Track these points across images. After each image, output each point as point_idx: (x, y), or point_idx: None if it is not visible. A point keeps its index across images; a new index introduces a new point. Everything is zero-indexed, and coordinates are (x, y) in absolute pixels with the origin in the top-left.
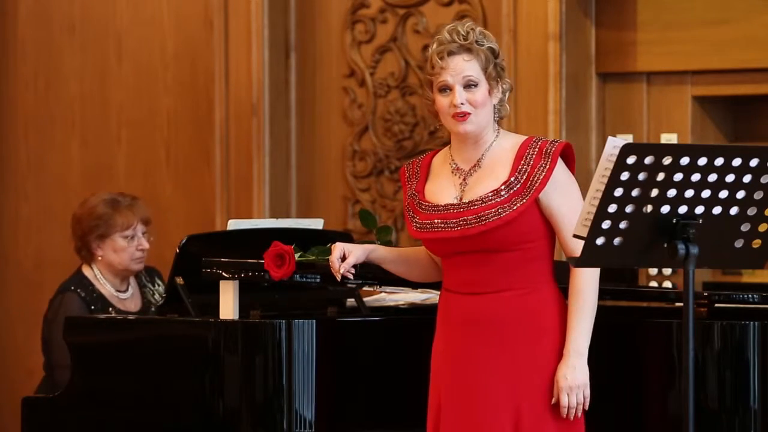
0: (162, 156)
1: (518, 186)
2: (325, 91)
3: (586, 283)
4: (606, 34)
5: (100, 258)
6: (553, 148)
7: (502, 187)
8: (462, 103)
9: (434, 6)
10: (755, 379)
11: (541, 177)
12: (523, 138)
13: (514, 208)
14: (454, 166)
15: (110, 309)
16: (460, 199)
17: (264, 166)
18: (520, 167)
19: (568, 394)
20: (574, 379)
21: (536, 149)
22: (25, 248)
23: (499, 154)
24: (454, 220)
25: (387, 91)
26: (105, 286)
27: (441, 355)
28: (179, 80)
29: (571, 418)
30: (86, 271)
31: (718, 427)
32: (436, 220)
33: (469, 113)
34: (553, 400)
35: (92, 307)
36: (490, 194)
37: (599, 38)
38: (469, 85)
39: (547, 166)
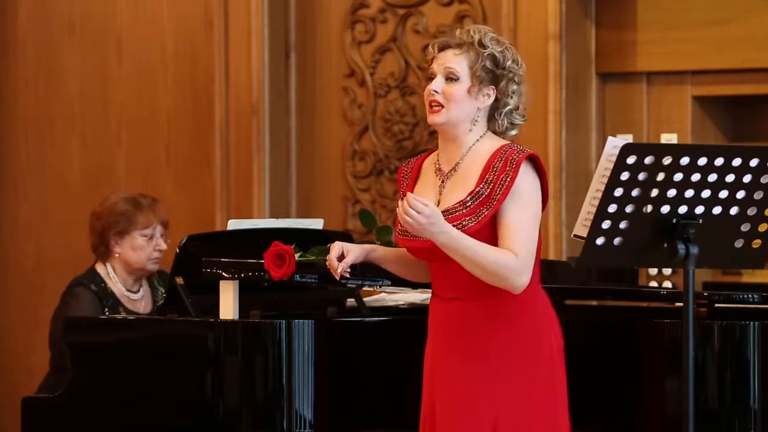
0: (162, 156)
1: (483, 197)
2: (325, 91)
3: (507, 261)
4: (606, 34)
5: (117, 255)
6: (518, 158)
7: (468, 198)
8: (436, 91)
9: (434, 6)
10: (755, 379)
11: (503, 188)
12: (498, 145)
13: (479, 219)
14: (437, 166)
15: (120, 309)
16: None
17: (264, 166)
18: (486, 177)
19: (428, 225)
20: (430, 222)
21: (503, 159)
22: (25, 248)
23: (474, 160)
24: None
25: (387, 91)
26: (117, 285)
27: (428, 359)
28: (179, 80)
29: (403, 220)
30: (99, 268)
31: (718, 427)
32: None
33: (441, 105)
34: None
35: (104, 302)
36: (457, 205)
37: (599, 38)
38: (450, 78)
39: (510, 176)
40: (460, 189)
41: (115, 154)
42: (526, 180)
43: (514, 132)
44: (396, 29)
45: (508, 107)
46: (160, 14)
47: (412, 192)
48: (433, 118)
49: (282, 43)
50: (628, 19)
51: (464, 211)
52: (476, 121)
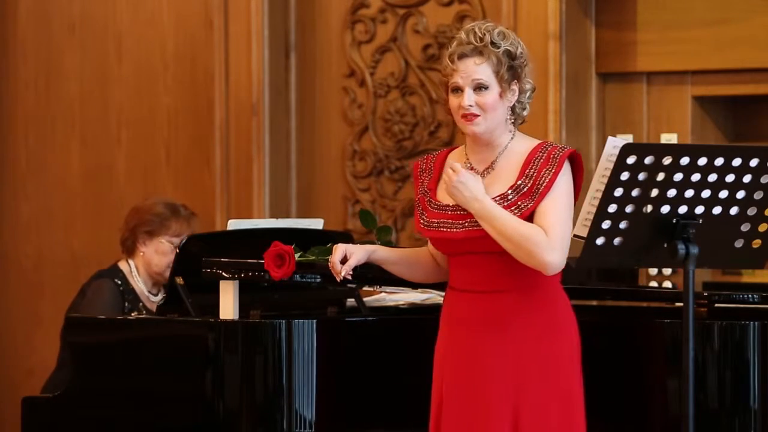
0: (162, 156)
1: (525, 190)
2: (325, 91)
3: (536, 236)
4: (606, 34)
5: (141, 254)
6: (561, 154)
7: (509, 192)
8: (470, 105)
9: (434, 6)
10: (755, 379)
11: (546, 181)
12: (536, 143)
13: (522, 211)
14: (468, 165)
15: (140, 305)
16: None
17: (264, 166)
18: (527, 172)
19: (458, 183)
20: (460, 180)
21: (544, 154)
22: (25, 248)
23: (511, 157)
24: (460, 222)
25: (387, 91)
26: (138, 284)
27: (443, 352)
28: (179, 80)
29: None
30: (122, 266)
31: (718, 427)
32: (442, 220)
33: (478, 115)
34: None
35: (125, 297)
36: (497, 198)
37: (599, 38)
38: (479, 88)
39: (553, 171)
40: (499, 185)
41: (115, 154)
42: (564, 176)
43: (526, 113)
44: (396, 29)
45: (526, 93)
46: (160, 14)
47: (435, 187)
48: (473, 129)
49: (282, 43)
50: (628, 19)
51: (505, 204)
52: (508, 118)
